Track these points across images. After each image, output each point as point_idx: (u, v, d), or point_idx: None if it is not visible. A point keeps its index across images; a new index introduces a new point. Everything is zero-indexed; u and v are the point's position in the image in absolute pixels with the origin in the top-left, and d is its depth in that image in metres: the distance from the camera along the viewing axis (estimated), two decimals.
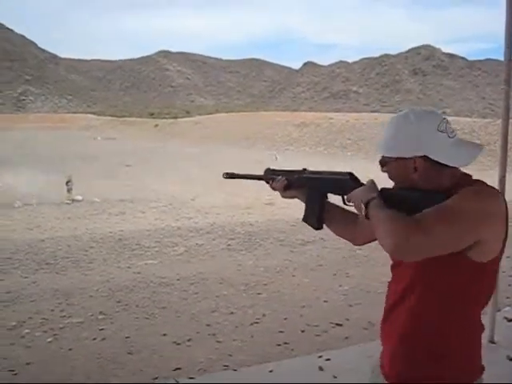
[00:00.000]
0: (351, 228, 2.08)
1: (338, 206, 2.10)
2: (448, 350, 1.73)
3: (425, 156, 1.73)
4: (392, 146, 1.80)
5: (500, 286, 4.65)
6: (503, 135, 4.67)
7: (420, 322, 1.75)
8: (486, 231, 1.63)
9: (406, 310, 1.78)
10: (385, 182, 1.89)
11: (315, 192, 2.07)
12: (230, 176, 2.36)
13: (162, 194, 15.50)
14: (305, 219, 2.14)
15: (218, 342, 5.36)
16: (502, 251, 1.72)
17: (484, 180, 1.75)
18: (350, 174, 1.97)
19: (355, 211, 1.92)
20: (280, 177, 2.16)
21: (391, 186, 1.87)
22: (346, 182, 1.94)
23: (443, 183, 1.75)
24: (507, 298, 6.17)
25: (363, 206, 1.78)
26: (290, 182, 2.14)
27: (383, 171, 1.85)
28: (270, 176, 2.20)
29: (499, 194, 1.71)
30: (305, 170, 2.12)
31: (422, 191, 1.74)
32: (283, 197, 2.20)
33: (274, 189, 2.20)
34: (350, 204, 1.91)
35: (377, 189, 1.82)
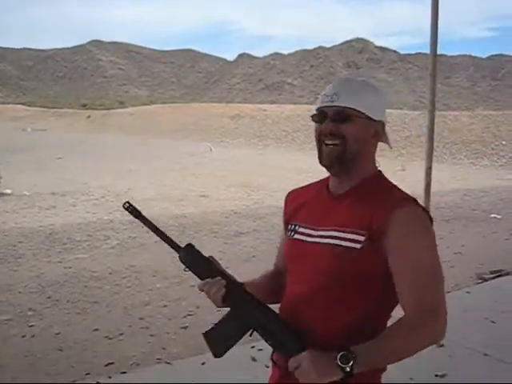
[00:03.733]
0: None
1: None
2: None
3: (383, 124, 1.69)
4: (366, 101, 1.64)
5: None
6: (429, 128, 4.83)
7: None
8: None
9: None
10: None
11: None
12: None
13: (95, 186, 15.21)
14: None
15: (151, 335, 5.34)
16: None
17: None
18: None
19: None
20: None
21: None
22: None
23: (372, 165, 1.72)
24: None
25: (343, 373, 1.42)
26: None
27: (335, 131, 1.64)
28: None
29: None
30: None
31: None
32: None
33: None
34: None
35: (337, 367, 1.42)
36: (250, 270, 7.69)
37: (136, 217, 1.73)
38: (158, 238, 1.72)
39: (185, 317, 5.80)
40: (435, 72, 4.81)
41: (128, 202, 1.73)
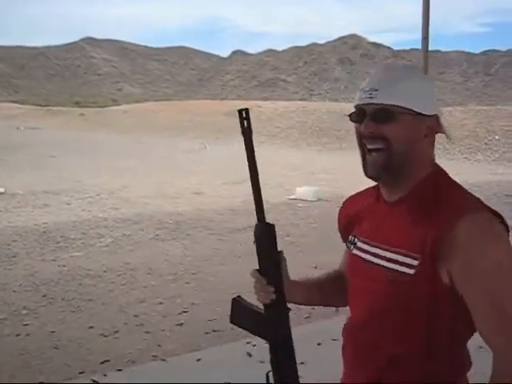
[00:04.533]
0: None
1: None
2: None
3: (437, 117, 1.41)
4: (412, 93, 1.37)
5: None
6: None
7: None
8: None
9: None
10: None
11: None
12: None
13: (89, 184, 15.18)
14: None
15: (146, 332, 5.35)
16: None
17: None
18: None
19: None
20: None
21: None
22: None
23: (428, 164, 1.46)
24: None
25: None
26: None
27: (375, 132, 1.38)
28: None
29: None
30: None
31: None
32: None
33: None
34: None
35: None
36: (246, 266, 7.70)
37: (244, 131, 1.42)
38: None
39: (180, 314, 5.81)
40: (427, 67, 4.82)
41: (247, 110, 1.40)
